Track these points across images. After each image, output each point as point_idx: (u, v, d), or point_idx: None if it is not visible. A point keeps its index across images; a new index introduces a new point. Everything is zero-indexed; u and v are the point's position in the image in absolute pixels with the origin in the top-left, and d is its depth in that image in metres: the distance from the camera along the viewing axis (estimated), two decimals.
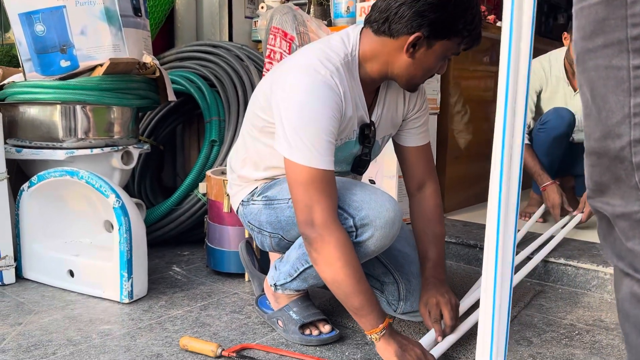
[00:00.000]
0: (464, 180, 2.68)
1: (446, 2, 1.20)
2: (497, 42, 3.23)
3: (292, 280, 1.40)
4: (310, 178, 1.20)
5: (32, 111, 1.88)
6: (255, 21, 2.73)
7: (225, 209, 1.82)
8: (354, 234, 1.26)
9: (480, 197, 2.76)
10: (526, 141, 2.47)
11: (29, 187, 1.79)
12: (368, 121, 1.37)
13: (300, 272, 1.37)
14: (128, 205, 1.64)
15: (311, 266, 1.32)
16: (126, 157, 1.97)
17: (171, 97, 2.05)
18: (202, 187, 2.00)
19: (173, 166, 2.81)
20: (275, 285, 1.45)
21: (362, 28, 1.33)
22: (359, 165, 1.45)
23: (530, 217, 2.37)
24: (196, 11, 2.82)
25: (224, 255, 1.87)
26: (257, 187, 1.45)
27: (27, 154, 1.87)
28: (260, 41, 2.71)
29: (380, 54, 1.29)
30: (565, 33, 2.41)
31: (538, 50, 2.68)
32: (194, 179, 2.14)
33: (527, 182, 2.68)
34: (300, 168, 1.21)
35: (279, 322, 1.43)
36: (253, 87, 2.22)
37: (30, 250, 1.82)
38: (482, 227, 1.68)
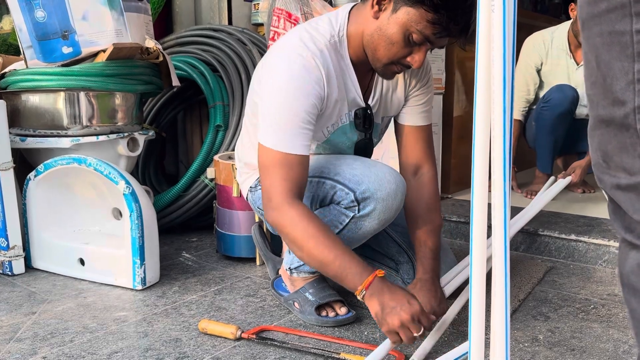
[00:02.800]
0: (470, 159, 2.67)
1: None
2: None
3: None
4: (275, 161, 1.19)
5: (35, 99, 1.85)
6: (255, 4, 2.69)
7: (235, 194, 1.81)
8: (356, 208, 1.24)
9: None
10: (518, 117, 2.46)
11: (35, 175, 1.77)
12: (363, 105, 1.34)
13: None
14: (138, 192, 1.63)
15: None
16: (132, 143, 1.95)
17: (175, 81, 2.02)
18: (210, 172, 1.99)
19: (175, 154, 2.79)
20: (290, 269, 1.44)
21: (353, 6, 1.29)
22: (362, 150, 1.42)
23: (535, 195, 2.37)
24: (194, 3, 2.78)
25: (235, 239, 1.86)
26: None
27: (32, 143, 1.85)
28: (261, 24, 2.68)
29: (359, 26, 1.25)
30: (572, 4, 2.39)
31: (535, 27, 2.67)
32: (200, 164, 2.12)
33: (532, 161, 2.68)
34: (267, 151, 1.21)
35: (296, 304, 1.43)
36: None
37: (39, 239, 1.81)
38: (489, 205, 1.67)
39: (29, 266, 1.82)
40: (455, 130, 2.53)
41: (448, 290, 1.35)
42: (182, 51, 2.45)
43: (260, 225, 1.70)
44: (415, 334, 1.09)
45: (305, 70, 1.20)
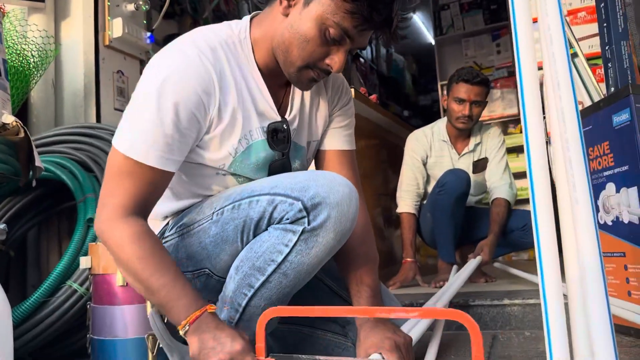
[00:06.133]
0: None
1: None
2: (380, 127, 3.29)
3: (236, 324, 1.05)
4: (122, 169, 1.00)
5: None
6: None
7: (120, 282, 1.42)
8: (306, 220, 0.97)
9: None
10: (412, 211, 2.46)
11: None
12: (277, 118, 1.13)
13: (244, 308, 1.04)
14: None
15: (257, 292, 1.02)
16: None
17: (38, 162, 1.67)
18: (84, 262, 1.56)
19: (23, 280, 2.25)
20: None
21: (254, 14, 1.16)
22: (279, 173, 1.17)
23: (444, 284, 2.25)
24: (55, 103, 2.50)
25: (118, 346, 1.42)
26: (167, 224, 1.16)
27: None
28: None
29: (266, 28, 1.10)
30: (444, 96, 2.56)
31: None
32: (66, 266, 1.68)
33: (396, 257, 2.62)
34: (116, 155, 1.01)
35: None
36: None
37: None
38: None
39: None
40: None
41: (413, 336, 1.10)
42: (49, 151, 2.10)
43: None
44: None
45: (186, 68, 1.00)
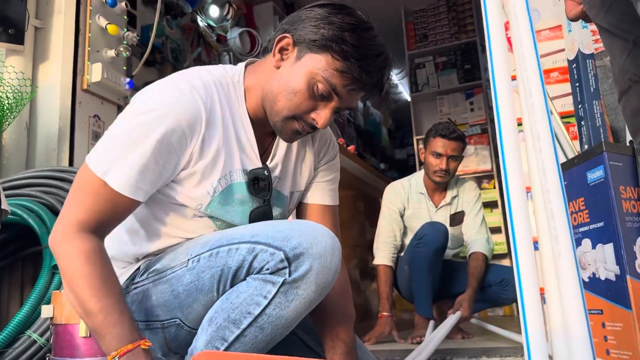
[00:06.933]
0: None
1: (335, 16, 1.02)
2: (358, 178, 3.31)
3: None
4: (89, 186, 0.98)
5: None
6: None
7: (83, 333, 1.35)
8: (287, 271, 0.93)
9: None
10: (389, 263, 2.44)
11: None
12: (258, 164, 1.12)
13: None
14: None
15: (230, 346, 0.97)
16: None
17: (4, 204, 1.60)
18: (46, 311, 1.47)
19: None
20: None
21: (249, 62, 1.17)
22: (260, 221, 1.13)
23: (421, 340, 2.21)
24: (28, 145, 2.44)
25: None
26: (139, 267, 1.12)
27: None
28: None
29: (259, 77, 1.11)
30: (421, 148, 2.58)
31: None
32: (27, 314, 1.60)
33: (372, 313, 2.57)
34: (86, 172, 0.98)
35: None
36: None
37: None
38: None
39: None
40: None
41: None
42: (18, 194, 2.03)
43: None
44: None
45: (175, 100, 0.99)
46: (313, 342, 1.21)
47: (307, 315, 1.12)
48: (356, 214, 2.98)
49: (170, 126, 0.97)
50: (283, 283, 0.93)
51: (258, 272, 0.96)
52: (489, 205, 4.51)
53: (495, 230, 4.33)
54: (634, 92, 1.09)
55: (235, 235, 1.00)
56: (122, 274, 1.11)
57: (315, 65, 1.02)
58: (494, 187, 4.61)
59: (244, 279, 0.97)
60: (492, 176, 4.64)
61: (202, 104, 1.01)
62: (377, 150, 6.43)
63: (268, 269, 0.94)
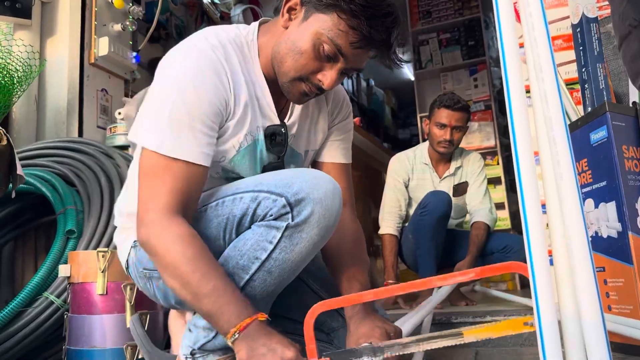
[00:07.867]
0: None
1: None
2: (363, 151, 3.33)
3: (217, 333, 1.03)
4: (159, 167, 0.99)
5: None
6: (110, 127, 2.47)
7: (100, 291, 1.39)
8: (290, 216, 0.97)
9: None
10: (394, 233, 2.47)
11: None
12: (277, 122, 1.14)
13: None
14: None
15: (246, 284, 1.01)
16: None
17: (19, 170, 1.64)
18: (63, 270, 1.52)
19: None
20: (192, 353, 1.06)
21: (263, 20, 1.19)
22: None
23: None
24: (37, 118, 2.47)
25: (96, 356, 1.37)
26: None
27: None
28: (119, 146, 2.43)
29: (269, 37, 1.13)
30: (425, 120, 2.60)
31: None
32: (44, 276, 1.64)
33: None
34: (150, 155, 1.00)
35: None
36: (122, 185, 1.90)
37: None
38: None
39: None
40: None
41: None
42: (30, 164, 2.06)
43: (140, 316, 1.29)
44: None
45: (203, 61, 1.02)
46: (324, 292, 1.25)
47: (318, 265, 1.16)
48: (361, 189, 3.01)
49: (213, 87, 1.01)
50: (287, 227, 0.97)
51: (262, 219, 0.99)
52: (493, 181, 4.52)
53: (499, 206, 4.35)
54: (634, 37, 1.11)
55: (240, 185, 1.04)
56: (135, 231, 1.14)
57: (321, 26, 1.02)
58: (498, 164, 4.63)
59: (249, 227, 1.02)
60: (495, 152, 4.65)
61: (225, 62, 1.04)
62: (380, 129, 6.43)
63: (272, 215, 0.98)
